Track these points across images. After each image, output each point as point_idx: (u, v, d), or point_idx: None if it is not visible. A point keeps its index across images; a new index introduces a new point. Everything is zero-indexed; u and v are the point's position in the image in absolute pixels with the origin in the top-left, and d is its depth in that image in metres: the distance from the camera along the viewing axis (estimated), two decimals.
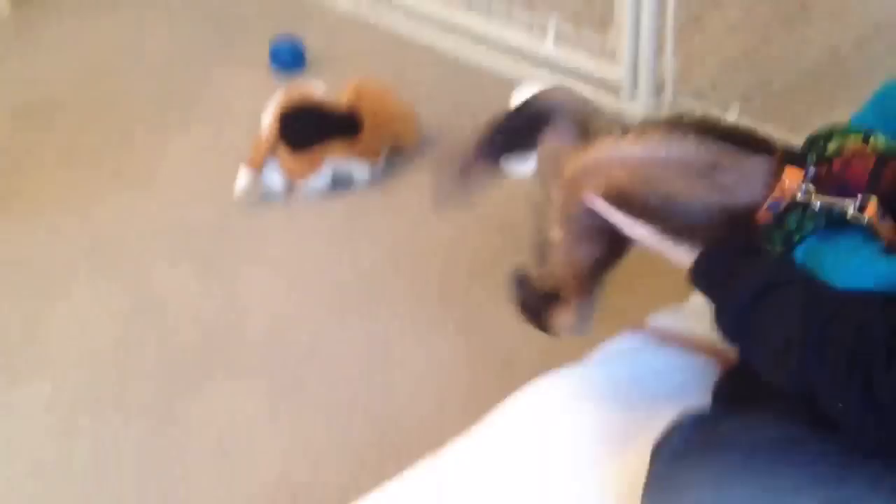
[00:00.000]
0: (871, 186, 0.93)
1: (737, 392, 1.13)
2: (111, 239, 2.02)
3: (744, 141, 0.98)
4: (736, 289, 0.91)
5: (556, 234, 1.05)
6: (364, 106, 2.14)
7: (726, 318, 0.92)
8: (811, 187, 0.94)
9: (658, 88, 2.23)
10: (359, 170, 2.13)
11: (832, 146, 0.97)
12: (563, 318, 1.13)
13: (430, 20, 2.77)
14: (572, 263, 1.08)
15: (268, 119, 2.12)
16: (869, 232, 0.93)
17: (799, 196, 0.94)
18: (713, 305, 0.94)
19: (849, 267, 0.91)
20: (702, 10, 2.16)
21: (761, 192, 0.95)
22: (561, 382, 1.22)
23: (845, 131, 0.99)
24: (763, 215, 0.96)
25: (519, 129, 1.08)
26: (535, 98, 1.08)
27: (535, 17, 2.52)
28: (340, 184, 2.13)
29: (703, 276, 0.96)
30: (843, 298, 0.86)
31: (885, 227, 0.93)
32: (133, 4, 3.24)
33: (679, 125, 0.98)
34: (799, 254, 0.96)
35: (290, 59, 2.66)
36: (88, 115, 2.55)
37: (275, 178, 2.10)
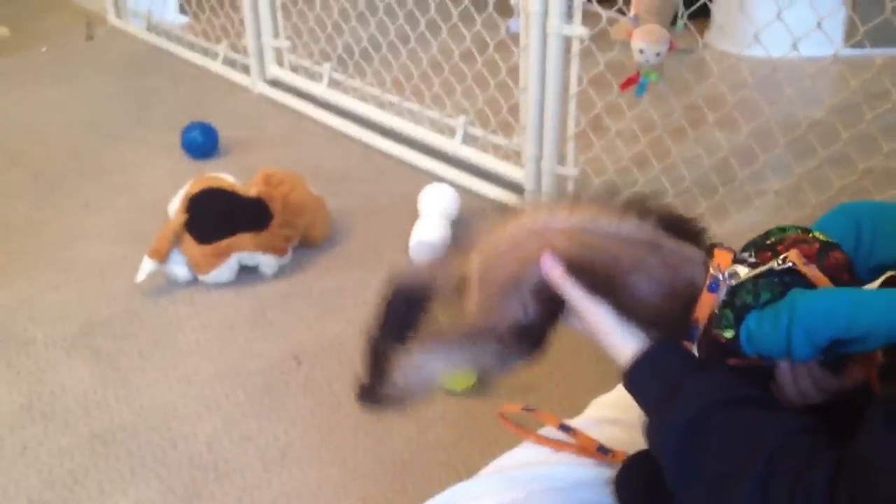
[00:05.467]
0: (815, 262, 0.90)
1: (638, 486, 1.11)
2: (3, 326, 1.95)
3: (678, 225, 0.94)
4: (676, 409, 0.84)
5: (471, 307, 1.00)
6: (274, 196, 2.14)
7: (661, 438, 0.85)
8: (750, 259, 0.92)
9: (561, 191, 2.31)
10: (266, 263, 2.11)
11: (772, 238, 0.96)
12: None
13: (341, 111, 2.83)
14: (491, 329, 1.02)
15: (175, 208, 2.10)
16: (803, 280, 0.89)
17: (740, 269, 0.90)
18: (647, 417, 0.88)
19: (860, 300, 0.82)
20: (600, 117, 2.26)
21: (700, 275, 0.92)
22: (454, 499, 1.17)
23: (782, 229, 0.97)
24: (705, 298, 0.91)
25: (403, 317, 1.06)
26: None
27: (444, 117, 2.60)
28: (248, 274, 2.11)
29: (641, 381, 0.90)
30: (788, 426, 0.81)
31: (816, 276, 0.89)
32: (68, 79, 3.20)
33: (614, 203, 0.94)
34: (752, 322, 0.89)
35: (202, 144, 2.66)
36: None
37: (179, 269, 2.06)
